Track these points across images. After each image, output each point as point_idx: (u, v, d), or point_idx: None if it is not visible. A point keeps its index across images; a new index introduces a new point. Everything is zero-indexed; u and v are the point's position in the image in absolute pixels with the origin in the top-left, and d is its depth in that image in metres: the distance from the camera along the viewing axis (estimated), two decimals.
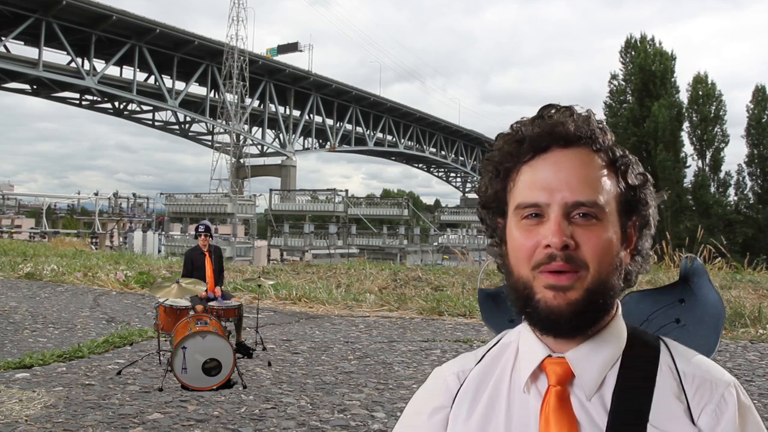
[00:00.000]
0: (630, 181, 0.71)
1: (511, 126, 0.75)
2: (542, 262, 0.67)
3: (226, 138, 51.65)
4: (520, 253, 0.69)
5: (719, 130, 42.17)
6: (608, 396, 0.69)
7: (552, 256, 0.66)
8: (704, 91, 41.50)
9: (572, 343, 0.70)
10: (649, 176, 0.74)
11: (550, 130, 0.70)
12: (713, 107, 41.81)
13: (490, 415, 0.72)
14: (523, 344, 0.74)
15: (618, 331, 0.72)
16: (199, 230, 5.82)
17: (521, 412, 0.71)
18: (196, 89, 51.20)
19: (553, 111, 0.72)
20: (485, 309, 0.97)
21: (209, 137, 55.40)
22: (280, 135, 56.28)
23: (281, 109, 55.82)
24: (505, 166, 0.72)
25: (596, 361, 0.69)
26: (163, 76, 47.20)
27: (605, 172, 0.70)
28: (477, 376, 0.76)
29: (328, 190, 44.23)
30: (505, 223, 0.73)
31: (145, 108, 50.83)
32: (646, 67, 41.15)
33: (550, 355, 0.70)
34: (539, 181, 0.68)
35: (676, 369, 0.70)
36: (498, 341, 0.80)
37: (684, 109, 41.83)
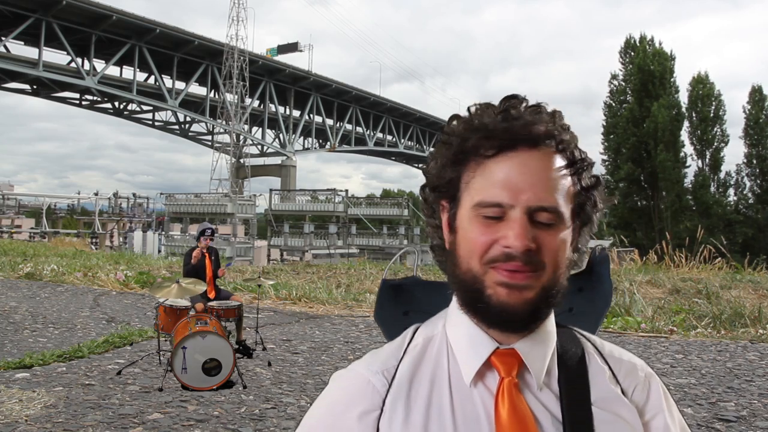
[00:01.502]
0: (584, 183, 0.71)
1: (469, 110, 0.73)
2: (498, 260, 0.66)
3: (226, 138, 51.67)
4: (473, 246, 0.68)
5: (719, 130, 42.22)
6: (554, 384, 0.71)
7: (510, 255, 0.66)
8: (704, 92, 41.54)
9: (519, 334, 0.70)
10: (600, 178, 0.74)
11: (520, 130, 0.68)
12: (713, 107, 41.84)
13: (433, 413, 0.69)
14: (462, 337, 0.72)
15: (552, 322, 0.73)
16: (206, 233, 5.82)
17: (468, 407, 0.69)
18: (196, 89, 51.26)
19: (520, 106, 0.70)
20: (381, 301, 0.90)
21: (209, 137, 55.41)
22: (280, 135, 56.28)
23: (281, 109, 55.82)
24: (464, 155, 0.70)
25: (542, 351, 0.71)
26: (163, 76, 47.19)
27: (565, 173, 0.69)
28: (407, 373, 0.71)
29: (328, 190, 44.24)
30: (453, 209, 0.72)
31: (145, 108, 50.82)
32: (645, 68, 41.17)
33: (497, 348, 0.70)
34: (504, 181, 0.67)
35: (601, 355, 0.76)
36: (412, 335, 0.77)
37: (684, 109, 41.86)
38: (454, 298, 0.74)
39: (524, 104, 0.71)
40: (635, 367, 0.76)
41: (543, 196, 0.66)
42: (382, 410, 0.70)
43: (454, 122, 0.74)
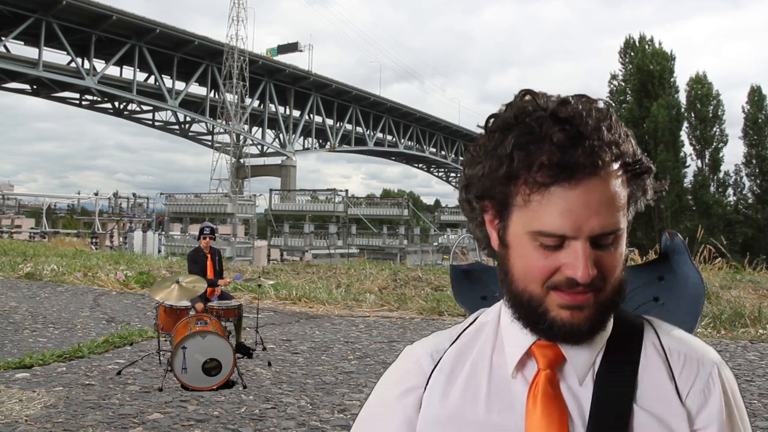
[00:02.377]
0: (640, 184, 0.68)
1: (517, 114, 0.66)
2: (561, 285, 0.65)
3: (226, 138, 51.66)
4: (533, 271, 0.66)
5: (718, 130, 42.22)
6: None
7: (574, 283, 0.64)
8: (702, 92, 41.55)
9: None
10: (652, 167, 0.69)
11: (584, 161, 0.62)
12: (711, 107, 41.85)
13: (469, 396, 0.70)
14: (508, 328, 0.72)
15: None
16: (205, 232, 5.83)
17: (504, 396, 0.69)
18: (196, 89, 51.25)
19: (577, 117, 0.64)
20: (457, 286, 0.94)
21: (209, 137, 55.40)
22: (280, 135, 56.27)
23: (281, 109, 55.81)
24: (516, 173, 0.64)
25: (586, 345, 0.68)
26: (163, 76, 47.19)
27: (623, 181, 0.66)
28: (452, 357, 0.73)
29: (328, 190, 44.25)
30: (503, 221, 0.68)
31: (145, 108, 50.81)
32: (644, 68, 41.20)
33: (539, 339, 0.69)
34: (565, 211, 0.63)
35: (661, 346, 0.70)
36: (473, 321, 0.78)
37: (683, 110, 41.87)
38: None
39: (578, 111, 0.65)
40: (701, 363, 0.69)
41: (606, 222, 0.64)
42: (424, 389, 0.73)
43: (500, 125, 0.67)
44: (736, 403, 0.70)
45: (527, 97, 0.68)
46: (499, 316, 0.75)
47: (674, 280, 0.82)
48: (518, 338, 0.70)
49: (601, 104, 0.68)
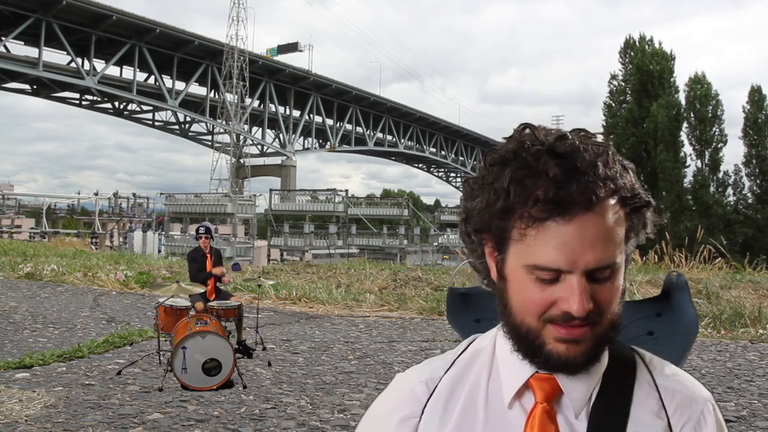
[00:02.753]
0: (639, 218, 0.69)
1: (515, 149, 0.67)
2: (557, 319, 0.65)
3: (226, 138, 51.68)
4: (529, 305, 0.67)
5: (717, 130, 42.22)
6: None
7: (570, 317, 0.64)
8: (701, 92, 41.55)
9: None
10: (651, 201, 0.70)
11: (579, 197, 0.63)
12: (710, 107, 41.84)
13: (466, 427, 0.70)
14: (505, 357, 0.72)
15: (605, 352, 0.72)
16: (200, 232, 5.82)
17: (500, 427, 0.69)
18: (196, 89, 51.28)
19: (575, 154, 0.65)
20: (453, 308, 0.94)
21: (209, 137, 55.42)
22: (280, 135, 56.29)
23: (281, 109, 55.83)
24: (513, 207, 0.65)
25: (584, 378, 0.69)
26: (163, 76, 47.20)
27: (620, 216, 0.66)
28: (448, 386, 0.73)
29: (328, 190, 44.26)
30: (501, 254, 0.69)
31: (145, 108, 50.83)
32: (644, 68, 41.18)
33: (537, 372, 0.69)
34: (560, 245, 0.63)
35: (655, 384, 0.71)
36: (467, 346, 0.77)
37: (682, 110, 41.86)
38: None
39: (576, 147, 0.65)
40: (692, 400, 0.70)
41: (601, 257, 0.64)
42: (420, 418, 0.72)
43: (498, 160, 0.68)
44: None
45: (526, 131, 0.69)
46: (494, 344, 0.74)
47: (671, 317, 0.83)
48: (515, 369, 0.70)
49: (599, 138, 0.69)
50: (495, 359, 0.73)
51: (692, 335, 0.83)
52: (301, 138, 59.05)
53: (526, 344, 0.68)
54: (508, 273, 0.68)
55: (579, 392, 0.69)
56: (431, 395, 0.73)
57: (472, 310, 0.90)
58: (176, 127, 55.88)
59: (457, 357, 0.76)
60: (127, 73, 46.50)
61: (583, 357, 0.66)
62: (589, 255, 0.63)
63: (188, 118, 53.43)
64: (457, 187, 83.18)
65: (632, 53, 42.77)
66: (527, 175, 0.65)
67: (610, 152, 0.67)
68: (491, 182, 0.67)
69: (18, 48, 41.67)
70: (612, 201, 0.65)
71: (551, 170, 0.64)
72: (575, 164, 0.64)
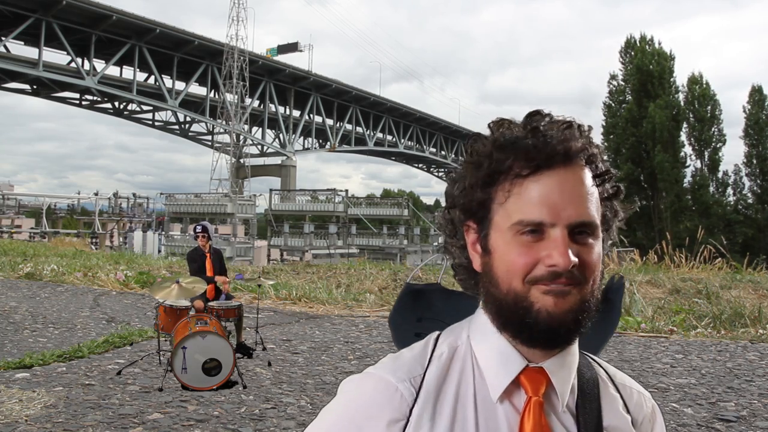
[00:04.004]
0: (607, 194, 0.72)
1: (492, 128, 0.72)
2: (543, 278, 0.66)
3: (226, 138, 51.65)
4: (515, 267, 0.67)
5: (716, 130, 42.23)
6: (571, 404, 0.71)
7: (556, 274, 0.66)
8: (700, 92, 41.57)
9: (548, 354, 0.70)
10: (621, 188, 0.74)
11: (557, 147, 0.68)
12: (709, 107, 41.86)
13: (457, 428, 0.69)
14: (491, 352, 0.71)
15: (576, 344, 0.73)
16: (197, 231, 5.80)
17: (491, 424, 0.69)
18: (196, 89, 51.23)
19: (548, 122, 0.70)
20: (399, 304, 0.89)
21: (209, 137, 55.40)
22: (280, 135, 56.27)
23: (281, 109, 55.81)
24: (496, 175, 0.69)
25: (567, 372, 0.71)
26: (163, 76, 47.17)
27: (595, 185, 0.70)
28: (433, 384, 0.70)
29: (328, 190, 44.24)
30: (484, 230, 0.71)
31: (145, 108, 50.79)
32: (644, 68, 41.21)
33: (527, 366, 0.70)
34: (543, 199, 0.66)
35: (612, 381, 0.77)
36: (435, 343, 0.74)
37: (682, 110, 41.88)
38: (480, 312, 0.74)
39: (549, 119, 0.71)
40: (643, 398, 0.78)
41: (583, 212, 0.67)
42: (408, 420, 0.68)
43: (479, 142, 0.72)
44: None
45: (504, 122, 0.74)
46: (469, 342, 0.73)
47: (599, 317, 0.84)
48: (503, 365, 0.70)
49: (597, 139, 0.74)
50: (474, 358, 0.72)
51: (610, 334, 0.88)
52: (301, 138, 59.04)
53: (514, 312, 0.68)
54: (492, 244, 0.70)
55: (564, 384, 0.70)
56: (417, 395, 0.69)
57: (417, 308, 0.87)
58: (176, 127, 55.85)
59: (432, 353, 0.73)
60: (127, 73, 46.51)
61: (570, 314, 0.67)
62: (571, 209, 0.67)
63: (188, 118, 53.40)
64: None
65: (633, 53, 42.77)
66: (507, 141, 0.69)
67: (583, 127, 0.72)
68: (473, 159, 0.72)
69: (18, 48, 41.72)
70: (585, 164, 0.70)
71: (530, 132, 0.69)
72: (552, 125, 0.70)
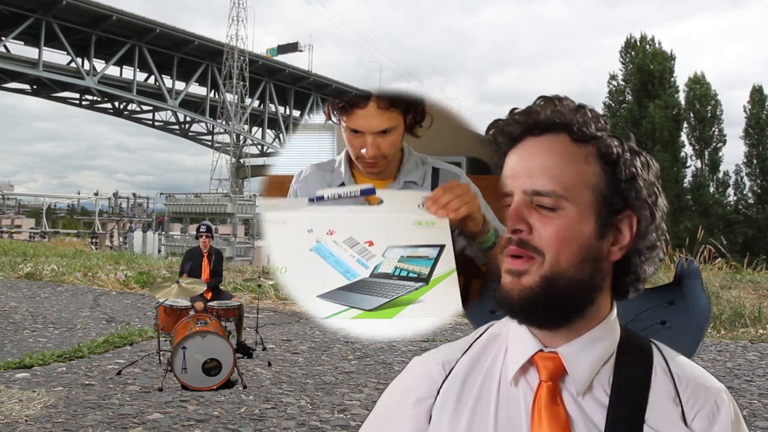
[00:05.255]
0: (617, 175, 0.68)
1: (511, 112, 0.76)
2: (504, 246, 0.68)
3: (226, 138, 51.64)
4: (502, 242, 0.70)
5: (716, 130, 42.23)
6: (600, 393, 0.68)
7: (509, 240, 0.67)
8: (700, 92, 41.56)
9: (565, 338, 0.69)
10: (654, 166, 0.70)
11: (521, 120, 0.71)
12: (710, 107, 41.85)
13: (479, 409, 0.70)
14: (513, 337, 0.72)
15: (611, 329, 0.71)
16: (200, 230, 5.82)
17: (511, 407, 0.69)
18: (196, 89, 51.23)
19: (541, 101, 0.71)
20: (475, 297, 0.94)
21: (209, 137, 55.39)
22: (281, 135, 56.28)
23: (281, 109, 55.84)
24: (497, 154, 0.74)
25: (588, 358, 0.68)
26: (163, 76, 47.17)
27: (581, 160, 0.67)
28: (464, 368, 0.73)
29: None
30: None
31: (145, 108, 50.77)
32: (644, 67, 41.18)
33: (541, 350, 0.69)
34: (509, 170, 0.70)
35: (670, 372, 0.71)
36: (485, 331, 0.78)
37: (682, 110, 41.87)
38: None
39: (544, 99, 0.72)
40: (706, 390, 0.70)
41: (537, 181, 0.67)
42: (435, 399, 0.72)
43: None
44: (740, 429, 0.70)
45: None
46: (508, 326, 0.75)
47: (684, 306, 0.82)
48: (523, 345, 0.71)
49: None
50: (507, 340, 0.74)
51: (705, 325, 0.83)
52: None
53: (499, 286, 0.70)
54: None
55: (583, 371, 0.68)
56: (447, 376, 0.73)
57: (485, 302, 0.89)
58: (176, 127, 55.83)
59: (474, 340, 0.76)
60: (127, 73, 46.49)
61: (520, 294, 0.66)
62: (525, 176, 0.68)
63: (188, 118, 53.38)
64: None
65: (633, 53, 42.75)
66: (498, 120, 0.74)
67: (581, 106, 0.71)
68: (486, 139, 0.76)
69: (18, 48, 41.70)
70: (570, 138, 0.68)
71: (520, 111, 0.72)
72: (531, 106, 0.72)
